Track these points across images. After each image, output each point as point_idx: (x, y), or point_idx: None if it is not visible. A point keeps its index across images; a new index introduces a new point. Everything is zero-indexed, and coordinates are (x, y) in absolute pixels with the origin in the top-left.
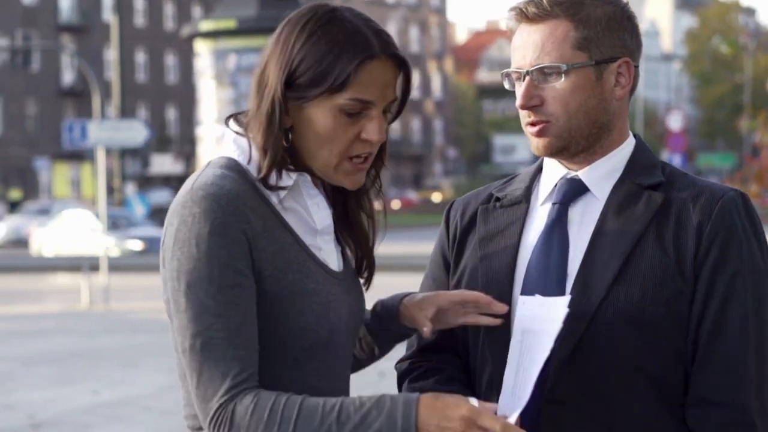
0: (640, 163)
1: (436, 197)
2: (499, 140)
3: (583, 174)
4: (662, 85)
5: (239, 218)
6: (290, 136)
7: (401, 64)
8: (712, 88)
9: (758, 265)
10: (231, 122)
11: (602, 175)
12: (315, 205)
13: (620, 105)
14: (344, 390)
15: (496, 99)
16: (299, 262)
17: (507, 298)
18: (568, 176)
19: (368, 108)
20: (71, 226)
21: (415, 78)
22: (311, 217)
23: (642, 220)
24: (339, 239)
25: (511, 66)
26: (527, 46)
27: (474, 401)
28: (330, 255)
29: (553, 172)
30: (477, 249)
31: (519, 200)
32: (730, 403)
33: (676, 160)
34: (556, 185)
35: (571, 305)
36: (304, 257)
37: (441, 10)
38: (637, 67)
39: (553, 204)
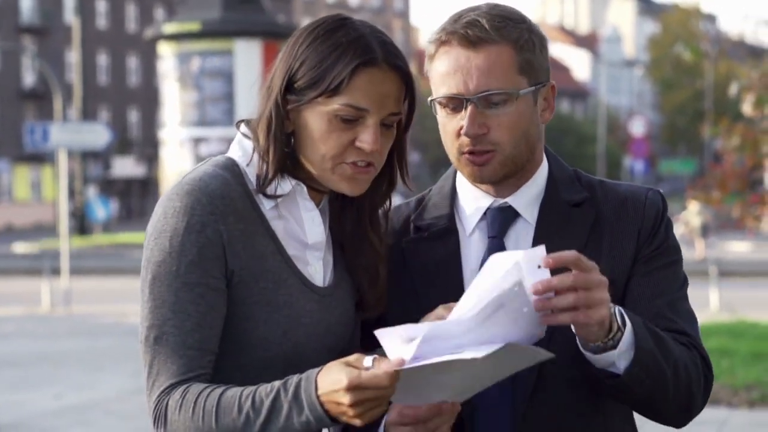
0: (559, 178)
1: None
2: None
3: (513, 200)
4: (624, 91)
5: (218, 218)
6: (292, 141)
7: (405, 78)
8: (674, 94)
9: (677, 248)
10: (242, 126)
11: (530, 199)
12: (310, 219)
13: (543, 128)
14: None
15: None
16: (275, 273)
17: None
18: (496, 204)
19: (363, 116)
20: None
21: None
22: (303, 230)
23: (579, 238)
24: (335, 255)
25: (439, 92)
26: (469, 72)
27: (365, 360)
28: (317, 271)
29: (476, 199)
30: (413, 282)
31: (446, 231)
32: (688, 331)
33: (638, 166)
34: (485, 214)
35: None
36: (282, 268)
37: (404, 14)
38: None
39: (490, 237)
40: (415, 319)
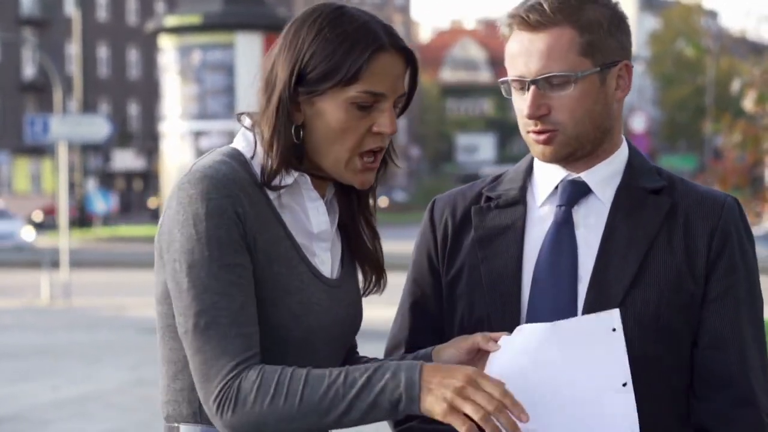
0: (639, 167)
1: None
2: (462, 139)
3: (586, 176)
4: None
5: (234, 201)
6: (301, 133)
7: (409, 58)
8: (675, 90)
9: (754, 265)
10: (244, 117)
11: (604, 177)
12: (314, 209)
13: (619, 107)
14: None
15: (459, 98)
16: (288, 258)
17: (514, 299)
18: (569, 178)
19: (379, 101)
20: None
21: None
22: (309, 220)
23: (653, 224)
24: (343, 246)
25: (508, 74)
26: (530, 54)
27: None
28: (324, 262)
29: (551, 173)
30: (476, 249)
31: (516, 201)
32: (739, 384)
33: None
34: (556, 187)
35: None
36: (292, 255)
37: (405, 9)
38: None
39: (558, 206)
40: (473, 285)
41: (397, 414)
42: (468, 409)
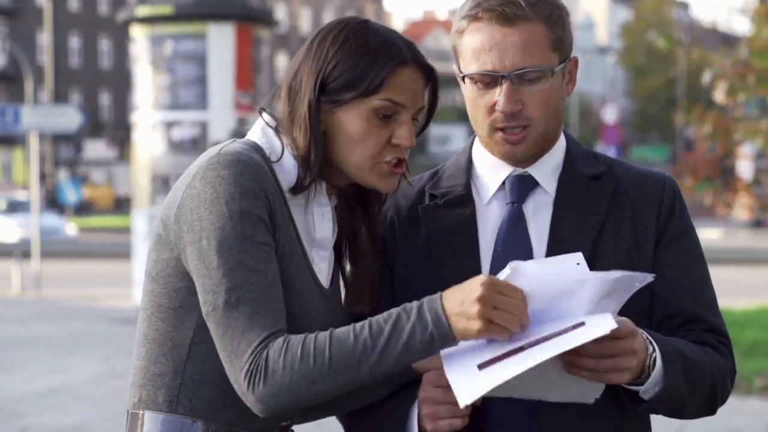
0: (577, 154)
1: None
2: (435, 130)
3: (533, 170)
4: (597, 78)
5: (264, 187)
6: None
7: (429, 75)
8: (647, 81)
9: (695, 233)
10: (265, 115)
11: (549, 170)
12: (321, 215)
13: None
14: None
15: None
16: (297, 259)
17: None
18: (516, 173)
19: (399, 112)
20: None
21: None
22: (313, 225)
23: (598, 211)
24: (339, 259)
25: (470, 69)
26: (505, 49)
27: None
28: (322, 270)
29: (496, 169)
30: (430, 249)
31: (463, 199)
32: (713, 322)
33: (610, 152)
34: (503, 183)
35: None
36: (300, 257)
37: (378, 0)
38: None
39: (510, 203)
40: (431, 284)
41: (433, 351)
42: (501, 319)
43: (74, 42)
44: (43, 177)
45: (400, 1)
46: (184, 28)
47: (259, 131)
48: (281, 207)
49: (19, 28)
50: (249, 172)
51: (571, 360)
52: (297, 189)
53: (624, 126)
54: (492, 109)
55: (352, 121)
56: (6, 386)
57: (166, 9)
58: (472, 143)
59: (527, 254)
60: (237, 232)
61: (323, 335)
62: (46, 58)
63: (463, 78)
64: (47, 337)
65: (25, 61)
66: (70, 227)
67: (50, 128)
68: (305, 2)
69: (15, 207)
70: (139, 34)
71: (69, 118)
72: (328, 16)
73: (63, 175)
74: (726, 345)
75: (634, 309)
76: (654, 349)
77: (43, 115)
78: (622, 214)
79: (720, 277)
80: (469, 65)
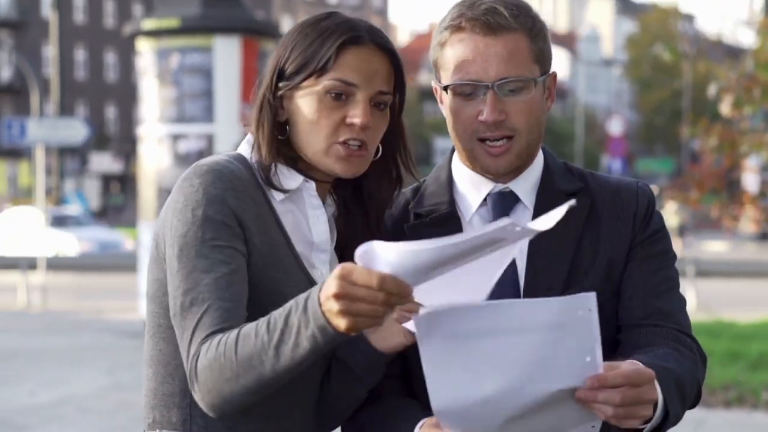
0: (553, 168)
1: None
2: (440, 142)
3: (514, 186)
4: (602, 90)
5: (236, 194)
6: (287, 129)
7: (393, 59)
8: (652, 93)
9: (669, 238)
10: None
11: (530, 185)
12: (315, 217)
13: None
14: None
15: (437, 102)
16: (286, 264)
17: None
18: (497, 190)
19: (353, 92)
20: (17, 224)
21: None
22: (309, 228)
23: (577, 224)
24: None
25: (451, 79)
26: (488, 59)
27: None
28: (324, 275)
29: (477, 185)
30: None
31: (448, 217)
32: (681, 321)
33: (616, 165)
34: (485, 199)
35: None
36: (291, 262)
37: (383, 12)
38: None
39: (492, 220)
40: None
41: (322, 347)
42: (360, 312)
43: (80, 55)
44: (48, 189)
45: (406, 14)
46: (190, 41)
47: (245, 143)
48: (264, 214)
49: (25, 41)
50: (219, 180)
51: (589, 397)
52: (264, 177)
53: (629, 138)
54: (475, 119)
55: (306, 103)
56: (11, 398)
57: (172, 22)
58: (450, 158)
59: (512, 272)
60: (197, 236)
61: (235, 332)
62: (51, 70)
63: (445, 89)
64: (52, 349)
65: (31, 74)
66: (128, 241)
67: (56, 141)
68: (310, 15)
69: (62, 221)
70: (145, 47)
71: (75, 130)
72: None
73: (69, 188)
74: (695, 341)
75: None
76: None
77: (49, 128)
78: (599, 227)
79: (726, 289)
80: (452, 76)
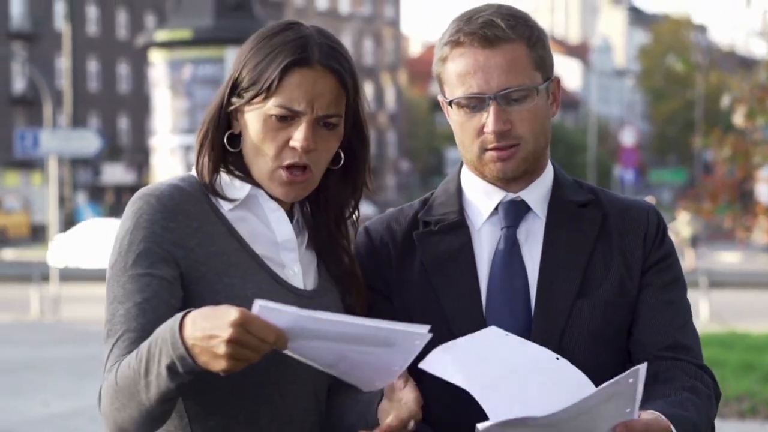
0: (563, 181)
1: None
2: (452, 153)
3: (525, 195)
4: (615, 101)
5: (166, 216)
6: (241, 143)
7: (341, 80)
8: (665, 104)
9: (678, 261)
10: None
11: (541, 195)
12: (276, 219)
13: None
14: (302, 400)
15: None
16: (241, 268)
17: (479, 324)
18: (508, 199)
19: (297, 115)
20: (95, 236)
21: (369, 90)
22: (272, 230)
23: (589, 236)
24: (320, 262)
25: (454, 93)
26: (489, 71)
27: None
28: (296, 273)
29: (488, 195)
30: (426, 274)
31: (458, 225)
32: (693, 348)
33: (628, 176)
34: (496, 208)
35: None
36: (249, 264)
37: (395, 23)
38: None
39: (505, 228)
40: (430, 310)
41: (183, 379)
42: (246, 358)
43: (93, 66)
44: (61, 201)
45: (418, 25)
46: (203, 52)
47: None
48: (210, 226)
49: (38, 53)
50: (147, 205)
51: None
52: (213, 193)
53: (642, 149)
54: (481, 131)
55: (253, 122)
56: (24, 410)
57: (184, 33)
58: (459, 171)
59: (523, 278)
60: (121, 266)
61: (118, 365)
62: (64, 82)
63: (450, 103)
64: (66, 360)
65: (44, 85)
66: None
67: (69, 152)
68: (322, 26)
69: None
70: (157, 59)
71: (87, 142)
72: (346, 40)
73: (81, 199)
74: (711, 375)
75: (613, 323)
76: None
77: (62, 139)
78: (611, 239)
79: (739, 301)
80: (455, 90)
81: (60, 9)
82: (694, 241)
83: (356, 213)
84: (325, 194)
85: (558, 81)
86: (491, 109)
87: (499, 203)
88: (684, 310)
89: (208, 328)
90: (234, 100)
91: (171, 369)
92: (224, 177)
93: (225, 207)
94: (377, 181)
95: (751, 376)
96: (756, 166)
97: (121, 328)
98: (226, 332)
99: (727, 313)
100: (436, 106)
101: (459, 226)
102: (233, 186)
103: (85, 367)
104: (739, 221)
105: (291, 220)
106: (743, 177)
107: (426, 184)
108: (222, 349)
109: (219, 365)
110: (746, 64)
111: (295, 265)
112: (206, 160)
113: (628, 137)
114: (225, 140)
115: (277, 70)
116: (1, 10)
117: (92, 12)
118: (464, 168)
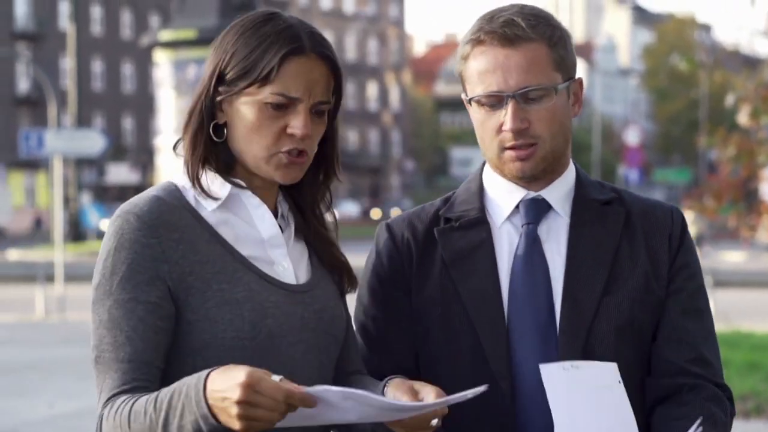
0: (586, 180)
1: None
2: (457, 153)
3: (546, 194)
4: (619, 100)
5: (146, 233)
6: (226, 132)
7: (332, 67)
8: (669, 103)
9: (698, 261)
10: (179, 147)
11: (561, 194)
12: (260, 216)
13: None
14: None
15: (453, 111)
16: (229, 273)
17: (500, 317)
18: (529, 197)
19: (293, 103)
20: None
21: (374, 90)
22: (256, 228)
23: (614, 233)
24: (311, 254)
25: (475, 91)
26: (508, 69)
27: (275, 378)
28: (287, 269)
29: (509, 193)
30: (448, 270)
31: (479, 221)
32: (716, 369)
33: (632, 175)
34: (517, 206)
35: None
36: (236, 268)
37: (399, 23)
38: None
39: (526, 225)
40: (449, 307)
41: (206, 429)
42: (260, 417)
43: (97, 66)
44: (66, 201)
45: (422, 25)
46: (207, 52)
47: (183, 166)
48: (193, 235)
49: (43, 53)
50: (129, 221)
51: None
52: (193, 181)
53: (646, 148)
54: (500, 129)
55: (247, 111)
56: (29, 410)
57: (189, 33)
58: (482, 170)
59: (545, 275)
60: (105, 289)
61: (129, 403)
62: (69, 82)
63: (470, 101)
64: (71, 360)
65: (49, 86)
66: None
67: (73, 152)
68: (326, 26)
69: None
70: (162, 59)
71: (92, 142)
72: (350, 40)
73: (86, 199)
74: (729, 394)
75: (637, 320)
76: None
77: (67, 140)
78: (636, 237)
79: (744, 300)
80: (475, 88)
81: (64, 9)
82: (699, 241)
83: (330, 197)
84: (300, 181)
85: (580, 81)
86: (509, 108)
87: (520, 201)
88: (708, 320)
89: (220, 390)
90: (222, 89)
91: (195, 427)
92: (208, 174)
93: (208, 208)
94: (382, 181)
95: (756, 375)
96: (760, 165)
97: (109, 356)
98: (236, 394)
99: (731, 313)
100: (440, 106)
101: (480, 223)
102: (215, 184)
103: (89, 367)
104: (744, 220)
105: (276, 216)
106: (748, 176)
107: (430, 183)
108: (234, 410)
109: (235, 425)
110: (750, 63)
111: (285, 261)
112: (195, 152)
113: (632, 136)
114: (210, 130)
115: (276, 59)
116: (5, 10)
117: (96, 12)
118: (486, 166)
